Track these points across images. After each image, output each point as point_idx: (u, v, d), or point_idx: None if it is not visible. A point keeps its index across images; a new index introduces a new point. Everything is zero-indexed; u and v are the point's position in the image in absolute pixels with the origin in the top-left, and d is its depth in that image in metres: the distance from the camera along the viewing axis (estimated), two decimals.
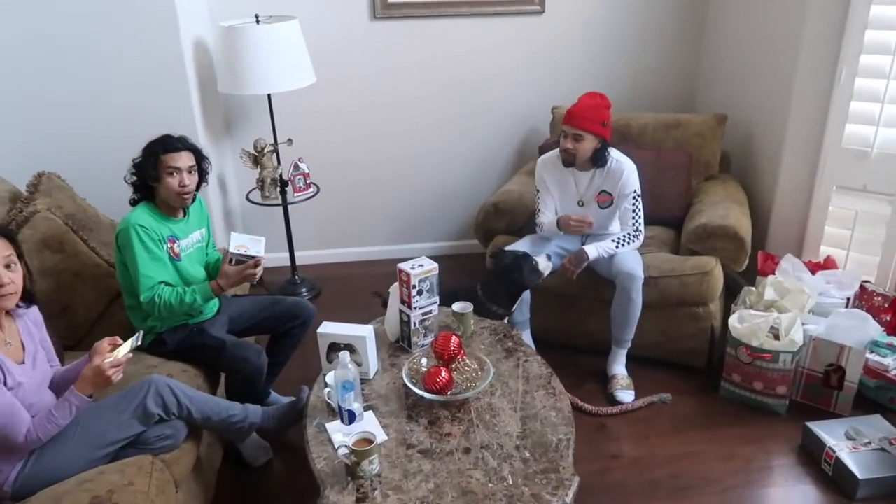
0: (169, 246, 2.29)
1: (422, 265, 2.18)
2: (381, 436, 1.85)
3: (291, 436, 2.43)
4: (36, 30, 2.82)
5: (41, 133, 2.97)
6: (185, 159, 2.27)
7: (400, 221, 4.00)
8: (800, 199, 3.06)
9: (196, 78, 3.12)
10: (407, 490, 1.68)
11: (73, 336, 2.42)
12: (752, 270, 3.02)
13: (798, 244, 3.11)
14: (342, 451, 1.73)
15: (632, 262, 2.67)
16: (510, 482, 1.70)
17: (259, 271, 2.31)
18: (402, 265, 2.18)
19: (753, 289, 2.86)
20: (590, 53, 3.70)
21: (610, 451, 2.48)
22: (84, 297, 2.45)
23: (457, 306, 2.35)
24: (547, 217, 2.84)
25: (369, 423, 1.90)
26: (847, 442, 2.32)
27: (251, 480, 2.40)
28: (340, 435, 1.84)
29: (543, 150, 3.29)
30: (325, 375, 2.07)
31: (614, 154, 2.74)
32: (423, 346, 2.25)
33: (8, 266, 1.72)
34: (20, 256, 1.79)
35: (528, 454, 1.79)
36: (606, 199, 2.78)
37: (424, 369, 2.07)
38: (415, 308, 2.19)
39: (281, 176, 3.40)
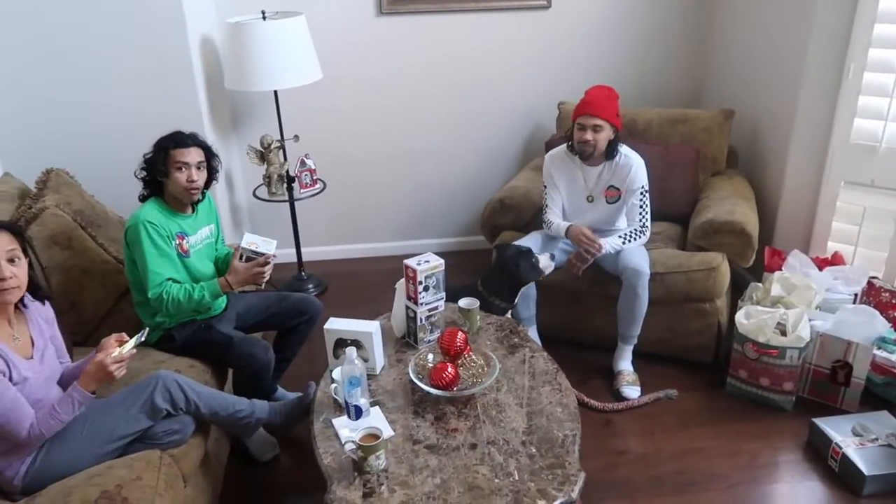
0: (178, 242, 2.30)
1: (428, 261, 2.19)
2: (387, 431, 1.86)
3: (298, 431, 2.45)
4: (45, 28, 2.83)
5: (50, 130, 2.99)
6: (194, 155, 2.28)
7: (406, 217, 4.00)
8: (807, 195, 3.04)
9: (203, 74, 3.13)
10: (413, 485, 1.69)
11: (81, 332, 2.43)
12: (759, 266, 3.01)
13: (805, 240, 3.10)
14: (349, 446, 1.74)
15: (638, 257, 2.67)
16: (516, 477, 1.71)
17: (268, 271, 2.32)
18: (408, 261, 2.19)
19: (760, 285, 2.85)
20: (596, 48, 3.69)
21: (616, 447, 2.48)
22: (92, 293, 2.47)
23: (463, 302, 2.35)
24: (555, 216, 2.83)
25: (376, 419, 1.91)
26: (854, 438, 2.31)
27: (258, 475, 2.41)
28: (347, 430, 1.84)
29: (550, 145, 3.29)
30: (331, 371, 2.08)
31: (623, 149, 2.74)
32: (429, 341, 2.26)
33: (11, 260, 1.72)
34: (27, 252, 1.80)
35: (534, 450, 1.80)
36: (614, 195, 2.78)
37: (431, 365, 2.07)
38: (421, 304, 2.19)
39: (287, 172, 3.40)
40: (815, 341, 2.56)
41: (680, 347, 2.87)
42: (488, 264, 2.98)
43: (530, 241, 2.84)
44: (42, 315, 1.93)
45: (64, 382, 1.93)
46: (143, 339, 1.88)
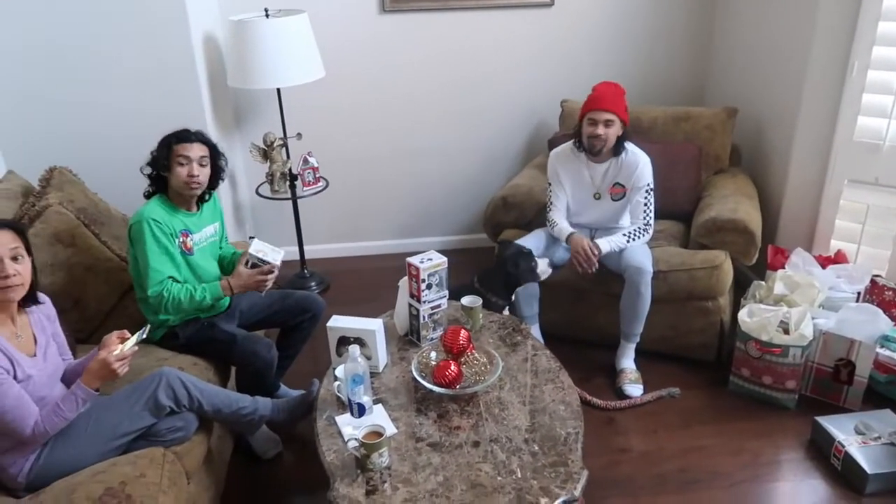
0: (182, 240, 2.31)
1: (431, 259, 2.19)
2: (390, 429, 1.86)
3: (301, 428, 2.45)
4: (48, 27, 2.84)
5: (53, 128, 2.99)
6: (196, 150, 2.29)
7: (409, 215, 4.00)
8: (810, 193, 3.04)
9: (206, 72, 3.13)
10: (416, 483, 1.69)
11: (85, 329, 2.44)
12: (762, 264, 3.01)
13: (808, 238, 3.09)
14: (352, 443, 1.74)
15: (641, 255, 2.67)
16: (519, 475, 1.71)
17: (271, 279, 2.33)
18: (411, 259, 2.19)
19: (763, 283, 2.85)
20: (599, 46, 3.68)
21: (618, 445, 2.48)
22: (96, 290, 2.47)
23: (466, 300, 2.35)
24: (560, 215, 2.83)
25: (379, 417, 1.91)
26: (856, 437, 2.31)
27: (261, 473, 2.41)
28: (350, 428, 1.85)
29: (552, 143, 3.29)
30: (334, 369, 2.09)
31: (629, 146, 2.74)
32: (432, 339, 2.26)
33: (15, 258, 1.73)
34: (30, 250, 1.80)
35: (536, 448, 1.80)
36: (619, 192, 2.78)
37: (433, 363, 2.08)
38: (424, 302, 2.19)
39: (290, 170, 3.40)
40: (818, 340, 2.55)
41: (682, 345, 2.86)
42: (491, 262, 2.98)
43: (534, 239, 2.83)
44: (43, 312, 1.94)
45: (67, 380, 1.93)
46: (144, 335, 1.88)
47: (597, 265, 2.68)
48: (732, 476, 2.33)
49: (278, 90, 3.24)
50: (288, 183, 3.42)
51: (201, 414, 2.02)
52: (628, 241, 2.71)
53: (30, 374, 1.75)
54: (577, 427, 1.87)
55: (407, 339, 2.31)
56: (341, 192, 3.81)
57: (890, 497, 2.19)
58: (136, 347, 1.84)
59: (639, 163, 2.71)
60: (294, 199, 3.45)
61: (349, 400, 1.90)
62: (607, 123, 2.63)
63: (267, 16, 3.14)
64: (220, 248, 2.56)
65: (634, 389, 2.71)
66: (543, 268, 2.60)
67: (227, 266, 2.57)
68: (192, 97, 3.05)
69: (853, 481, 2.24)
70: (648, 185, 2.73)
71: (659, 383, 2.76)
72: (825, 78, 2.84)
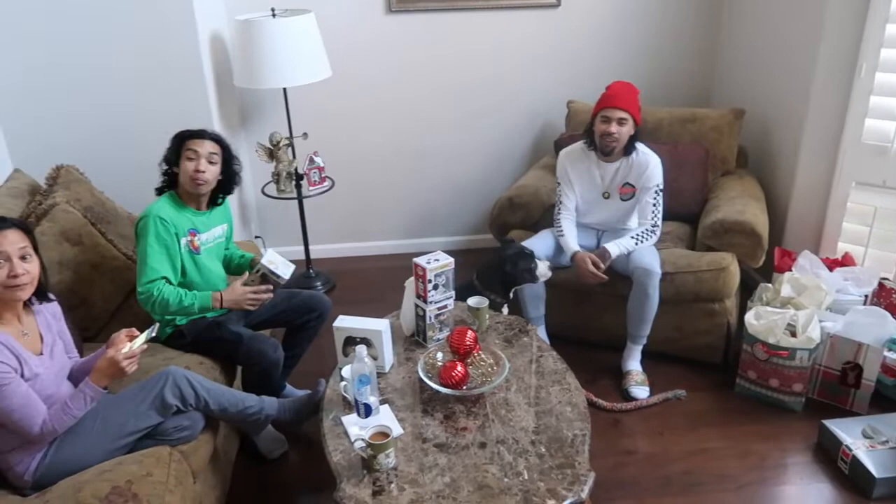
0: (189, 239, 2.31)
1: (437, 259, 2.18)
2: (396, 429, 1.86)
3: (307, 428, 2.46)
4: (56, 27, 2.84)
5: (59, 126, 3.00)
6: (207, 147, 2.30)
7: (414, 215, 4.00)
8: (818, 195, 3.03)
9: (212, 72, 3.13)
10: (423, 484, 1.69)
11: (91, 327, 2.44)
12: (769, 267, 3.00)
13: (815, 240, 3.08)
14: (359, 444, 1.74)
15: (649, 257, 2.66)
16: (526, 477, 1.70)
17: (263, 301, 2.32)
18: (417, 259, 2.18)
19: (770, 285, 2.84)
20: (605, 47, 3.68)
21: (624, 447, 2.47)
22: (102, 289, 2.47)
23: (472, 301, 2.35)
24: (568, 221, 2.81)
25: (385, 417, 1.91)
26: (864, 440, 2.30)
27: (267, 472, 2.41)
28: (357, 428, 1.84)
29: (559, 144, 3.29)
30: (341, 369, 2.08)
31: (640, 146, 2.73)
32: (438, 340, 2.25)
33: (23, 258, 1.73)
34: (36, 249, 1.81)
35: (543, 449, 1.79)
36: (629, 192, 2.77)
37: (440, 364, 2.07)
38: (430, 302, 2.19)
39: (296, 170, 3.41)
40: (826, 343, 2.54)
41: (689, 347, 2.86)
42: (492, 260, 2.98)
43: (542, 240, 2.83)
44: (50, 310, 1.94)
45: (73, 378, 1.93)
46: (153, 334, 1.88)
47: (605, 277, 2.67)
48: (739, 479, 2.32)
49: (284, 90, 3.24)
50: (294, 182, 3.42)
51: (207, 413, 2.02)
52: (636, 244, 2.70)
53: (37, 372, 1.75)
54: (583, 429, 1.87)
55: (413, 340, 2.31)
56: (347, 191, 3.81)
57: None
58: (145, 346, 1.84)
59: (649, 163, 2.71)
60: (300, 198, 3.45)
61: (356, 400, 1.90)
62: (621, 122, 2.62)
63: (273, 15, 3.14)
64: (226, 248, 2.56)
65: (640, 391, 2.71)
66: (543, 270, 2.58)
67: (233, 268, 2.58)
68: (199, 97, 3.05)
69: (861, 485, 2.23)
70: (658, 185, 2.72)
71: (665, 385, 2.75)
72: (833, 80, 2.84)
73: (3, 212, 2.32)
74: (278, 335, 2.59)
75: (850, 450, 2.27)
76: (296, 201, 3.48)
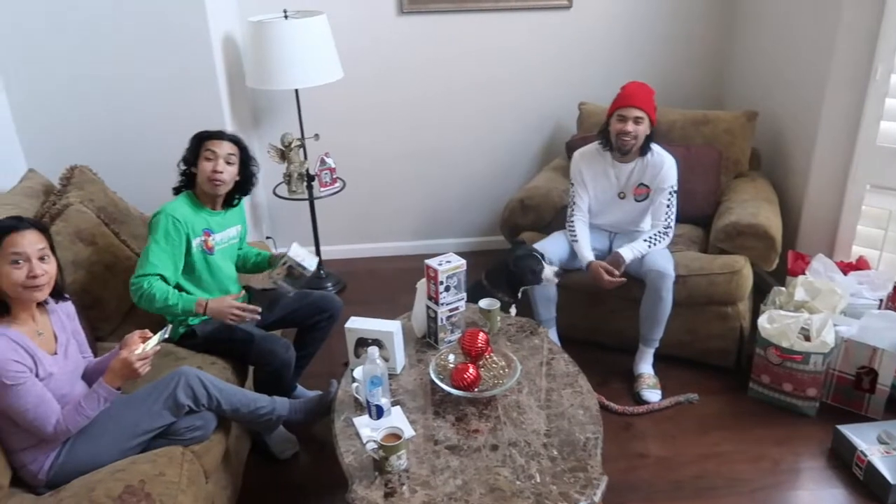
0: (203, 239, 2.32)
1: (449, 261, 2.18)
2: (408, 431, 1.86)
3: (317, 429, 2.46)
4: (69, 29, 2.86)
5: (73, 127, 3.02)
6: (225, 148, 2.32)
7: (425, 217, 4.00)
8: (832, 198, 3.00)
9: (225, 73, 3.15)
10: (435, 486, 1.69)
11: (104, 327, 2.45)
12: (782, 270, 2.98)
13: (829, 244, 3.06)
14: (370, 445, 1.73)
15: (663, 260, 2.65)
16: (538, 480, 1.70)
17: (246, 317, 2.27)
18: (429, 261, 2.18)
19: (783, 289, 2.82)
20: (617, 49, 3.67)
21: (636, 450, 2.46)
22: (115, 289, 2.48)
23: (483, 303, 2.35)
24: (581, 225, 2.80)
25: (397, 419, 1.91)
26: (879, 446, 2.28)
27: (278, 473, 2.42)
28: (368, 430, 1.84)
29: (570, 146, 3.28)
30: (352, 370, 2.08)
31: (655, 147, 2.72)
32: (449, 342, 2.25)
33: (42, 258, 1.74)
34: (53, 250, 1.82)
35: (555, 452, 1.79)
36: (643, 192, 2.76)
37: (451, 365, 2.07)
38: (442, 304, 2.19)
39: (307, 171, 3.41)
40: (840, 347, 2.52)
41: (701, 351, 2.84)
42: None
43: (555, 242, 2.83)
44: (64, 310, 1.95)
45: (87, 378, 1.94)
46: (166, 335, 1.89)
47: (624, 280, 2.65)
48: (751, 483, 2.30)
49: (296, 91, 3.25)
50: (305, 183, 3.43)
51: (220, 413, 2.02)
52: (650, 247, 2.68)
53: (51, 371, 1.76)
54: (596, 432, 1.86)
55: (424, 342, 2.31)
56: (358, 193, 3.81)
57: None
58: (158, 347, 1.85)
59: (664, 163, 2.70)
60: (311, 199, 3.46)
61: (367, 402, 1.90)
62: (637, 121, 2.62)
63: (286, 17, 3.15)
64: (240, 249, 2.57)
65: (652, 395, 2.69)
66: (549, 275, 2.56)
67: (249, 267, 2.59)
68: (211, 98, 3.07)
69: (876, 491, 2.21)
70: (672, 186, 2.71)
71: (677, 389, 2.74)
72: (848, 82, 2.81)
73: (18, 211, 2.34)
74: (289, 335, 2.59)
75: (865, 455, 2.24)
76: (307, 202, 3.48)
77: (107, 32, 2.89)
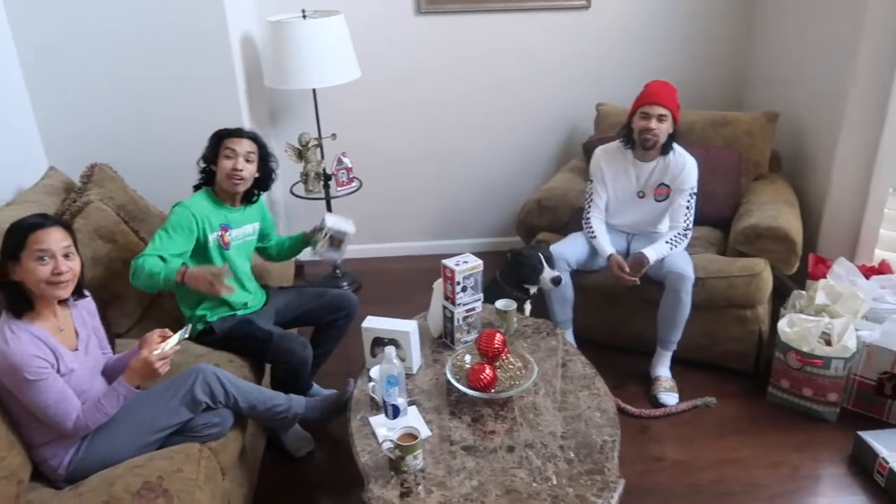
0: (220, 234, 2.33)
1: (466, 262, 2.18)
2: (424, 431, 1.85)
3: (333, 427, 2.47)
4: (89, 30, 2.89)
5: (93, 125, 3.05)
6: (244, 146, 2.33)
7: (441, 217, 4.00)
8: (854, 201, 2.96)
9: (243, 73, 3.16)
10: (451, 486, 1.68)
11: (124, 324, 2.47)
12: (803, 273, 2.94)
13: (851, 247, 3.01)
14: (387, 445, 1.73)
15: (682, 262, 2.62)
16: (554, 482, 1.69)
17: (220, 287, 2.14)
18: (446, 261, 2.18)
19: (804, 292, 2.78)
20: (635, 49, 3.64)
21: (652, 454, 2.44)
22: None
23: (500, 304, 2.34)
24: (598, 221, 2.80)
25: (413, 419, 1.91)
26: None
27: (293, 470, 2.42)
28: (384, 429, 1.84)
29: (588, 147, 3.26)
30: (369, 370, 2.08)
31: (677, 147, 2.71)
32: (465, 342, 2.25)
33: (66, 255, 1.76)
34: (76, 247, 1.83)
35: (572, 454, 1.78)
36: (663, 192, 2.74)
37: (468, 366, 2.06)
38: (458, 304, 2.18)
39: (324, 170, 3.42)
40: (862, 352, 2.48)
41: (719, 354, 2.81)
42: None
43: (573, 243, 2.82)
44: (85, 307, 1.97)
45: (106, 374, 1.96)
46: (186, 335, 1.90)
47: (638, 281, 2.65)
48: (770, 489, 2.27)
49: (314, 91, 3.26)
50: (322, 183, 3.44)
51: (236, 410, 2.03)
52: (671, 249, 2.67)
53: (72, 367, 1.77)
54: (613, 435, 1.85)
55: (440, 342, 2.30)
56: (374, 192, 3.82)
57: None
58: (178, 346, 1.86)
59: (686, 164, 2.68)
60: (328, 198, 3.46)
61: (384, 401, 1.89)
62: (660, 118, 2.60)
63: (304, 17, 3.16)
64: (271, 241, 2.64)
65: (669, 398, 2.67)
66: (546, 281, 2.57)
67: (286, 252, 2.68)
68: (230, 97, 3.08)
69: None
70: (693, 188, 2.69)
71: (694, 392, 2.71)
72: (872, 83, 2.77)
73: (39, 209, 2.37)
74: (306, 334, 2.60)
75: (887, 462, 2.21)
76: (323, 201, 3.49)
77: (127, 34, 2.92)
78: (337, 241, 2.55)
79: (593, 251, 2.80)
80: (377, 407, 1.97)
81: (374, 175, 3.77)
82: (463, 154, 3.83)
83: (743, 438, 2.50)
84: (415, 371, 2.13)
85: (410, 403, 1.98)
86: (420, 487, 1.68)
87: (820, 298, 2.66)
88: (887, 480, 2.21)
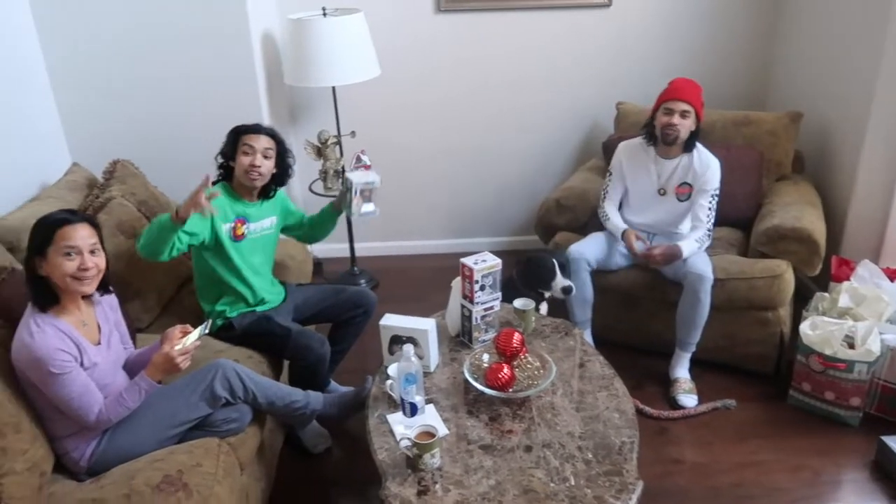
0: (233, 225, 2.35)
1: (485, 260, 2.17)
2: (442, 430, 1.85)
3: (350, 424, 2.47)
4: (112, 27, 2.92)
5: (115, 122, 3.08)
6: (262, 142, 2.34)
7: (459, 215, 3.99)
8: (879, 202, 2.91)
9: (264, 70, 3.18)
10: (468, 485, 1.68)
11: (145, 319, 2.50)
12: (825, 276, 2.90)
13: (876, 249, 2.96)
14: (404, 443, 1.73)
15: (702, 262, 2.60)
16: (572, 483, 1.68)
17: (206, 207, 2.08)
18: (465, 260, 2.17)
19: (826, 295, 2.74)
20: (657, 48, 3.61)
21: (671, 456, 2.42)
22: (155, 281, 2.53)
23: (518, 303, 2.33)
24: (612, 207, 2.80)
25: (430, 417, 1.91)
26: None
27: (310, 467, 2.43)
28: (402, 427, 1.85)
29: (607, 146, 3.24)
30: (387, 367, 2.09)
31: (700, 147, 2.69)
32: (483, 341, 2.24)
33: (92, 252, 1.78)
34: (102, 244, 1.85)
35: (590, 455, 1.77)
36: (686, 192, 2.72)
37: (486, 365, 2.06)
38: (477, 303, 2.18)
39: (343, 168, 3.43)
40: (886, 356, 2.44)
41: (740, 356, 2.78)
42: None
43: (593, 242, 2.80)
44: (107, 301, 1.99)
45: (128, 369, 1.98)
46: (206, 331, 1.91)
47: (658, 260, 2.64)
48: (791, 493, 2.25)
49: (333, 88, 3.27)
50: (341, 180, 3.44)
51: (255, 406, 2.04)
52: (699, 248, 2.66)
53: (95, 361, 1.79)
54: (632, 436, 1.83)
55: (458, 340, 2.30)
56: (392, 190, 3.81)
57: None
58: (198, 342, 1.87)
59: (710, 164, 2.66)
60: None
61: (402, 399, 1.89)
62: (684, 114, 2.58)
63: (324, 15, 3.17)
64: (301, 225, 2.64)
65: (689, 400, 2.64)
66: (557, 289, 2.56)
67: (318, 229, 2.66)
68: (250, 95, 3.10)
69: None
70: (715, 189, 2.67)
71: (713, 394, 2.68)
72: None
73: (62, 204, 2.40)
74: (324, 331, 2.61)
75: None
76: None
77: (149, 33, 2.95)
78: (367, 193, 2.51)
79: (612, 250, 2.78)
80: (395, 404, 1.97)
81: (393, 173, 3.77)
82: (482, 152, 3.82)
83: (763, 442, 2.47)
84: (432, 369, 2.13)
85: (428, 402, 1.98)
86: (437, 486, 1.68)
87: (843, 301, 2.63)
88: None
